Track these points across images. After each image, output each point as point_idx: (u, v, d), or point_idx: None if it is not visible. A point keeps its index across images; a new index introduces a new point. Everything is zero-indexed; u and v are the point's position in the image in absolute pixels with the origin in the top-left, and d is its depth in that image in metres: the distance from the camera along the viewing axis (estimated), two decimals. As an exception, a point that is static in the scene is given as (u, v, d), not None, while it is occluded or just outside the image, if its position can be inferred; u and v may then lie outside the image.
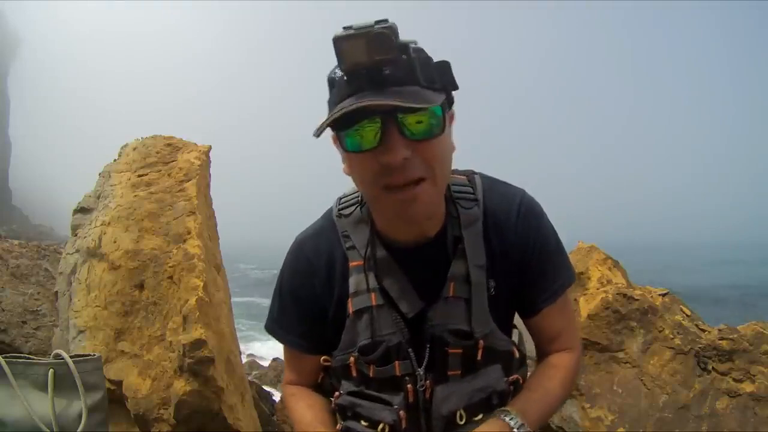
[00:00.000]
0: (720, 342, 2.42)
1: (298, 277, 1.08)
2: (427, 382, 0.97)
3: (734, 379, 2.37)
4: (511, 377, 1.03)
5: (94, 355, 1.52)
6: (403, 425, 0.97)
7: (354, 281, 1.01)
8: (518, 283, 1.04)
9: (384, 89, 0.82)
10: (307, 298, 1.07)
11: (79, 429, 1.36)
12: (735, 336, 2.42)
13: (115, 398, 2.32)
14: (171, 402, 2.25)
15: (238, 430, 2.34)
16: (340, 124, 0.86)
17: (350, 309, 1.01)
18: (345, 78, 0.85)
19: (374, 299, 0.99)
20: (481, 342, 0.97)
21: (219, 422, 2.28)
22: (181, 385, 2.21)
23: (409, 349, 0.98)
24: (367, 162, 0.88)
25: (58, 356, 1.41)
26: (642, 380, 2.46)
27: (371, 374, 0.99)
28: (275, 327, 1.12)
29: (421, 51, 0.87)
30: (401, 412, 0.97)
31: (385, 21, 0.81)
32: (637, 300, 2.56)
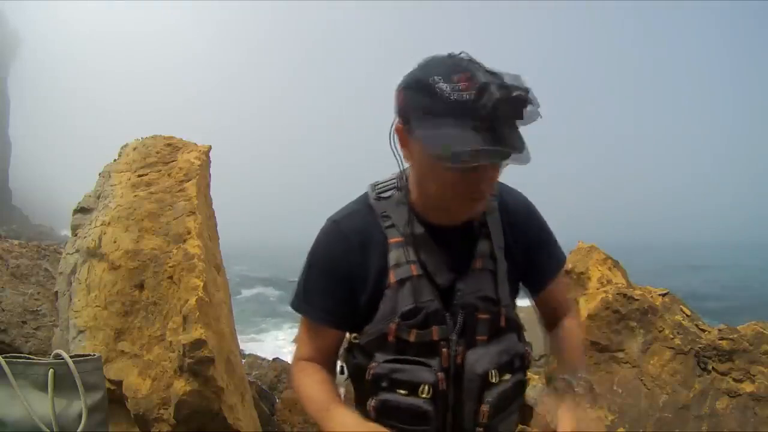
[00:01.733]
0: (720, 342, 2.42)
1: (332, 253, 1.16)
2: (459, 348, 1.07)
3: (734, 379, 2.37)
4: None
5: (94, 355, 1.52)
6: (442, 386, 1.06)
7: (394, 255, 1.11)
8: (527, 264, 1.20)
9: (504, 137, 0.91)
10: (340, 275, 1.14)
11: (79, 429, 1.36)
12: (735, 336, 2.42)
13: (115, 398, 2.32)
14: (171, 402, 2.26)
15: (238, 430, 2.34)
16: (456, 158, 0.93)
17: (392, 279, 1.10)
18: (470, 106, 0.90)
19: (414, 270, 1.09)
20: (504, 310, 1.11)
21: (219, 422, 2.28)
22: (181, 385, 2.21)
23: (446, 313, 1.08)
24: (457, 176, 0.99)
25: (58, 356, 1.41)
26: (642, 380, 2.46)
27: (412, 339, 1.07)
28: (301, 302, 1.18)
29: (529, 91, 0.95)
30: (440, 374, 1.05)
31: (519, 76, 0.92)
32: (637, 300, 2.56)
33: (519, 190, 1.25)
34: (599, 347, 2.56)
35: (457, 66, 0.93)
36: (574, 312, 1.33)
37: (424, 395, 1.04)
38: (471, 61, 0.96)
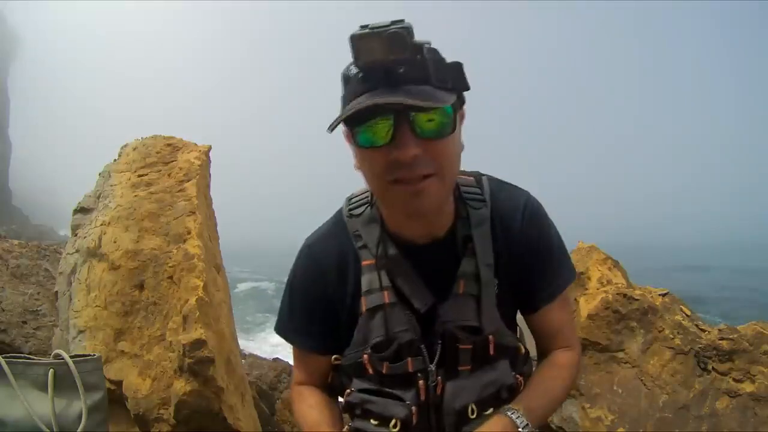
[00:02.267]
0: (720, 342, 2.42)
1: (308, 279, 1.10)
2: (438, 378, 1.00)
3: (734, 379, 2.37)
4: (518, 372, 1.06)
5: (94, 355, 1.52)
6: (415, 421, 0.99)
7: (366, 280, 1.03)
8: (520, 281, 1.07)
9: (398, 88, 0.84)
10: (318, 299, 1.09)
11: (79, 429, 1.36)
12: (735, 336, 2.42)
13: (115, 398, 2.32)
14: (171, 402, 2.25)
15: (238, 430, 2.34)
16: (354, 121, 0.89)
17: (363, 307, 1.03)
18: (360, 75, 0.87)
19: (387, 297, 1.01)
20: (491, 337, 1.00)
21: (219, 422, 2.28)
22: (181, 385, 2.21)
23: (422, 346, 1.00)
24: (379, 157, 0.91)
25: (58, 356, 1.41)
26: (642, 380, 2.46)
27: (384, 371, 1.01)
28: (285, 329, 1.14)
29: (435, 51, 0.88)
30: (413, 408, 0.99)
31: (401, 21, 0.83)
32: (637, 300, 2.56)
33: (526, 192, 1.10)
34: (599, 347, 2.56)
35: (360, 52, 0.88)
36: (575, 347, 1.14)
37: (394, 429, 0.99)
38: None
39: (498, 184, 1.11)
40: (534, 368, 1.14)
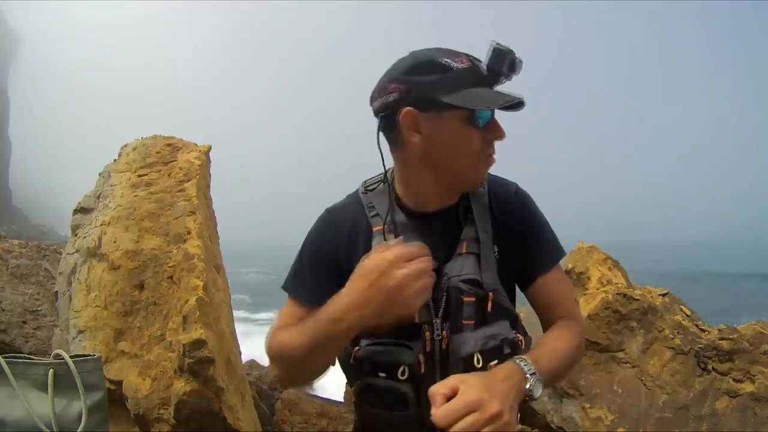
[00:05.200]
0: (720, 342, 2.42)
1: (320, 240, 1.19)
2: (444, 332, 1.06)
3: (734, 379, 2.37)
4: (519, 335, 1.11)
5: (94, 355, 1.52)
6: (422, 369, 1.04)
7: (376, 242, 1.13)
8: (517, 251, 1.17)
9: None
10: (327, 259, 1.16)
11: (79, 429, 1.36)
12: (735, 336, 2.42)
13: (115, 398, 2.32)
14: (171, 402, 2.26)
15: (238, 430, 2.34)
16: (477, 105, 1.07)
17: None
18: (484, 73, 1.06)
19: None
20: (491, 294, 1.08)
21: (219, 422, 2.28)
22: (181, 385, 2.21)
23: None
24: (480, 136, 1.08)
25: (58, 356, 1.41)
26: (642, 380, 2.46)
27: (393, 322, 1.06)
28: (292, 284, 1.20)
29: None
30: (420, 356, 1.04)
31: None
32: (637, 300, 2.56)
33: (512, 181, 1.25)
34: (599, 347, 2.56)
35: (441, 51, 1.07)
36: (576, 318, 1.21)
37: (402, 377, 1.03)
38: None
39: (489, 175, 1.23)
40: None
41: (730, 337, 2.42)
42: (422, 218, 1.15)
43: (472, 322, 1.07)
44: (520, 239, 1.17)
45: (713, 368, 2.40)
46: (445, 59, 1.05)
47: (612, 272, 2.76)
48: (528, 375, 0.95)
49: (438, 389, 0.89)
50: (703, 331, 2.49)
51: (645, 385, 2.44)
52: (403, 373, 1.03)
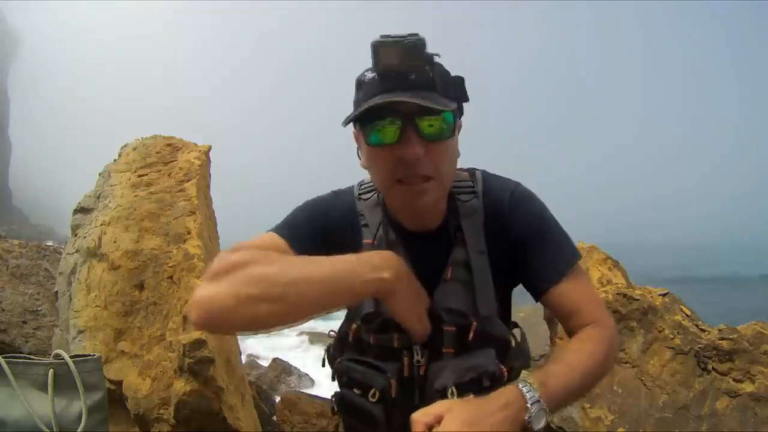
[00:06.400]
0: (720, 342, 2.42)
1: (324, 213, 1.14)
2: (423, 359, 1.02)
3: (734, 379, 2.37)
4: (507, 365, 1.02)
5: (94, 355, 1.52)
6: (394, 393, 1.00)
7: None
8: (521, 266, 1.09)
9: (409, 92, 0.95)
10: (321, 232, 1.11)
11: (79, 429, 1.36)
12: (735, 336, 2.42)
13: (115, 398, 2.32)
14: (171, 402, 2.26)
15: (238, 430, 2.34)
16: (366, 120, 0.99)
17: None
18: (376, 78, 0.98)
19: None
20: (474, 324, 1.01)
21: (219, 422, 2.28)
22: (181, 385, 2.21)
23: None
24: (386, 156, 1.00)
25: (58, 356, 1.41)
26: (642, 380, 2.46)
27: (372, 341, 1.05)
28: (282, 227, 1.11)
29: (441, 65, 1.00)
30: (392, 381, 1.01)
31: (416, 34, 0.94)
32: (637, 300, 2.56)
33: (516, 182, 1.14)
34: (599, 347, 2.56)
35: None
36: (601, 322, 1.07)
37: (372, 399, 1.00)
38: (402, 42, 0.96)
39: (490, 177, 1.16)
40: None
41: (730, 337, 2.42)
42: (414, 238, 1.09)
43: (452, 350, 1.01)
44: (523, 250, 1.08)
45: (713, 368, 2.40)
46: (365, 72, 1.00)
47: (612, 272, 2.76)
48: (529, 404, 0.87)
49: (420, 417, 0.84)
50: (703, 331, 2.49)
51: (645, 385, 2.44)
52: (374, 395, 1.00)
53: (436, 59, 0.98)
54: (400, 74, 0.96)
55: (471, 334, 1.00)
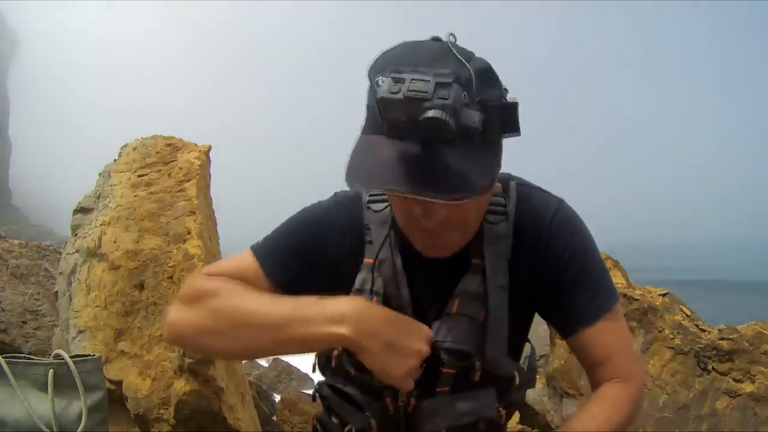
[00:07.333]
0: (720, 342, 2.42)
1: (319, 226, 1.00)
2: (411, 399, 0.92)
3: (734, 379, 2.37)
4: (505, 402, 0.96)
5: (94, 355, 1.52)
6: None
7: (361, 278, 0.96)
8: (552, 301, 0.96)
9: (429, 146, 0.71)
10: (313, 248, 0.98)
11: (79, 429, 1.36)
12: (735, 336, 2.42)
13: (115, 398, 2.32)
14: (171, 402, 2.26)
15: (238, 430, 2.34)
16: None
17: None
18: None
19: (375, 303, 0.92)
20: (478, 364, 0.89)
21: (219, 422, 2.28)
22: (181, 385, 2.21)
23: None
24: (403, 203, 0.82)
25: (58, 356, 1.41)
26: (642, 380, 2.46)
27: (352, 373, 0.94)
28: (263, 248, 0.99)
29: (485, 87, 0.75)
30: (373, 421, 0.92)
31: (445, 43, 0.74)
32: (637, 300, 2.56)
33: (558, 199, 0.96)
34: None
35: (402, 57, 0.76)
36: (628, 380, 0.93)
37: None
38: (431, 50, 0.75)
39: (527, 192, 0.97)
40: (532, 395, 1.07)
41: (730, 337, 2.42)
42: (421, 263, 0.93)
43: (448, 389, 0.91)
44: (555, 281, 0.93)
45: (713, 368, 2.41)
46: (380, 76, 0.71)
47: (612, 272, 2.77)
48: None
49: None
50: (703, 331, 2.49)
51: (645, 385, 2.45)
52: (350, 431, 0.94)
53: (478, 71, 0.74)
54: (416, 129, 0.69)
55: (477, 376, 0.89)
